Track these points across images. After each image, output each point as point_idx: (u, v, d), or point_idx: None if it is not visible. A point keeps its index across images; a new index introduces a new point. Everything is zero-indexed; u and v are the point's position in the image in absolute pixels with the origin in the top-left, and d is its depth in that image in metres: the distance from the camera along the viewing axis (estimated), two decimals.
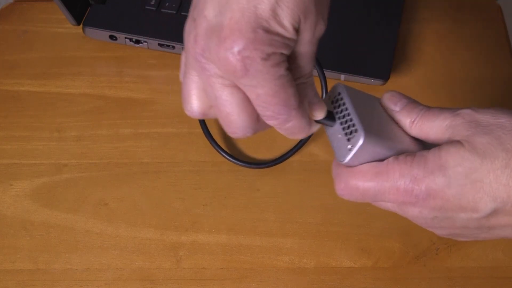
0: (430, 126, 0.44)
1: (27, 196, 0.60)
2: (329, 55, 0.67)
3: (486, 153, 0.42)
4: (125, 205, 0.59)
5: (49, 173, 0.61)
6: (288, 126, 0.42)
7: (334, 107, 0.46)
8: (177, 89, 0.67)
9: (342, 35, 0.69)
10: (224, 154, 0.61)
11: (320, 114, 0.44)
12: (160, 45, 0.69)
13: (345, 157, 0.44)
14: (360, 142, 0.43)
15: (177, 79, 0.68)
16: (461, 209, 0.43)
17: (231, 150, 0.63)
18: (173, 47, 0.68)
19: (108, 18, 0.70)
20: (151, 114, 0.65)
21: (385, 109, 0.46)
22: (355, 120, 0.44)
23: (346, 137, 0.44)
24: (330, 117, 0.45)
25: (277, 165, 0.62)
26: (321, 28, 0.40)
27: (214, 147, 0.62)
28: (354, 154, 0.44)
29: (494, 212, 0.42)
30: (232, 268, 0.56)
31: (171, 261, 0.56)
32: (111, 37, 0.69)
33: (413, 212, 0.44)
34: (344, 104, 0.45)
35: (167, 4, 0.70)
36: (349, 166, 0.44)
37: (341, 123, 0.45)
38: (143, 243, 0.57)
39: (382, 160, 0.44)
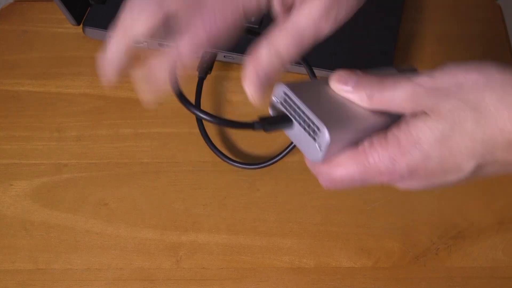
0: (390, 98, 0.43)
1: (27, 196, 0.60)
2: (329, 55, 0.67)
3: (455, 118, 0.42)
4: (125, 205, 0.59)
5: (49, 173, 0.61)
6: None
7: (286, 109, 0.44)
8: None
9: (342, 35, 0.69)
10: (222, 156, 0.61)
11: None
12: (160, 45, 0.69)
13: (317, 156, 0.43)
14: (327, 139, 0.42)
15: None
16: (447, 173, 0.43)
17: (231, 150, 0.63)
18: None
19: (108, 18, 0.70)
20: (151, 114, 0.65)
21: (337, 92, 0.44)
22: (313, 118, 0.42)
23: (311, 137, 0.43)
24: (286, 120, 0.43)
25: (277, 165, 0.62)
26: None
27: (213, 150, 0.62)
28: (326, 152, 0.42)
29: (478, 167, 0.43)
30: (232, 268, 0.56)
31: (171, 261, 0.56)
32: None
33: (404, 185, 0.44)
34: (294, 103, 0.43)
35: None
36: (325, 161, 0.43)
37: (300, 124, 0.43)
38: (143, 243, 0.57)
39: (356, 143, 0.43)
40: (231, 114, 0.65)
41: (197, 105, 0.64)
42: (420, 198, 0.60)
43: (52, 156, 0.62)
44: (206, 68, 0.66)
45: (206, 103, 0.66)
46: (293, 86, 0.44)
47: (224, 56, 0.68)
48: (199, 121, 0.63)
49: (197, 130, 0.63)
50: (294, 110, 0.43)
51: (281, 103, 0.44)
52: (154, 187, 0.60)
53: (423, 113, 0.43)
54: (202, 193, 0.60)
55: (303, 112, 0.43)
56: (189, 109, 0.45)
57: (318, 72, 0.67)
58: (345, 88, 0.44)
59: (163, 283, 0.55)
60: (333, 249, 0.57)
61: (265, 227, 0.58)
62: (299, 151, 0.62)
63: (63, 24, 0.71)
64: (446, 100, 0.42)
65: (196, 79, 0.66)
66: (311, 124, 0.43)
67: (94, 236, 0.57)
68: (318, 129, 0.42)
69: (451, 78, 0.43)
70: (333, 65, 0.67)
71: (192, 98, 0.65)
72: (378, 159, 0.43)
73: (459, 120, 0.42)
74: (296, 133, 0.44)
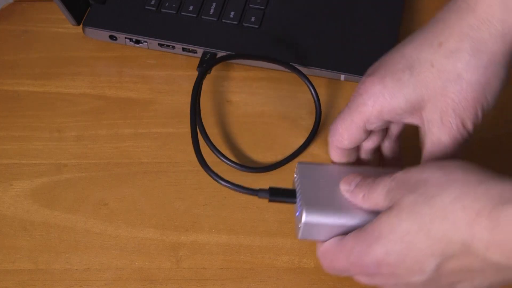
0: (376, 196, 0.46)
1: (27, 196, 0.60)
2: (329, 55, 0.67)
3: (413, 213, 0.43)
4: (125, 205, 0.59)
5: (49, 173, 0.61)
6: None
7: (295, 186, 0.50)
8: (177, 89, 0.67)
9: (342, 35, 0.69)
10: (222, 158, 0.61)
11: None
12: (160, 45, 0.69)
13: (297, 234, 0.49)
14: (303, 218, 0.47)
15: (177, 79, 0.68)
16: (411, 273, 0.44)
17: (231, 150, 0.63)
18: (173, 47, 0.68)
19: (108, 18, 0.70)
20: (151, 114, 0.65)
21: (342, 191, 0.49)
22: (300, 198, 0.48)
23: (297, 215, 0.49)
24: (291, 195, 0.50)
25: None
26: None
27: (213, 150, 0.62)
28: (303, 230, 0.48)
29: (440, 266, 0.43)
30: (232, 268, 0.56)
31: (171, 261, 0.56)
32: (111, 37, 0.69)
33: (378, 281, 0.46)
34: (298, 183, 0.50)
35: (167, 4, 0.70)
36: (321, 241, 0.49)
37: (297, 202, 0.49)
38: (143, 243, 0.57)
39: (345, 233, 0.47)
40: (231, 114, 0.65)
41: (197, 105, 0.64)
42: None
43: (52, 156, 0.62)
44: (206, 68, 0.66)
45: (206, 103, 0.66)
46: (304, 168, 0.51)
47: None
48: (199, 121, 0.63)
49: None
50: (297, 189, 0.50)
51: (295, 180, 0.51)
52: (154, 187, 0.60)
53: (390, 208, 0.44)
54: (202, 193, 0.60)
55: (299, 192, 0.49)
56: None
57: (318, 72, 0.67)
58: (347, 187, 0.49)
59: (163, 283, 0.55)
60: None
61: (265, 227, 0.58)
62: (300, 156, 0.62)
63: (63, 24, 0.71)
64: (409, 195, 0.43)
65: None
66: (299, 203, 0.49)
67: (94, 236, 0.57)
68: (301, 207, 0.48)
69: (420, 173, 0.44)
70: (333, 66, 0.67)
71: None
72: (350, 252, 0.46)
73: (417, 214, 0.43)
74: (295, 209, 0.50)
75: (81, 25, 0.69)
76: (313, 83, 0.64)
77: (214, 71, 0.67)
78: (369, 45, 0.68)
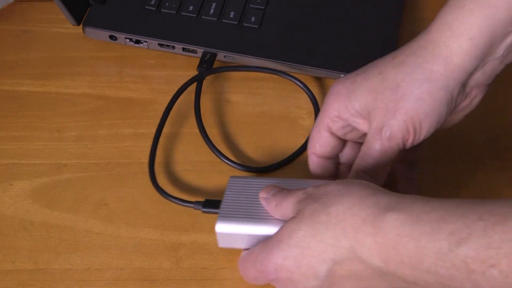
0: (286, 206, 0.48)
1: (27, 196, 0.60)
2: (329, 55, 0.67)
3: (311, 220, 0.45)
4: (125, 205, 0.59)
5: (49, 173, 0.61)
6: None
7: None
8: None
9: (342, 35, 0.69)
10: (222, 157, 0.61)
11: None
12: (160, 45, 0.69)
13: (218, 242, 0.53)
14: (216, 228, 0.51)
15: (177, 79, 0.68)
16: (306, 278, 0.46)
17: (231, 150, 0.63)
18: (173, 47, 0.68)
19: (108, 18, 0.70)
20: (151, 114, 0.65)
21: (260, 199, 0.51)
22: (220, 209, 0.52)
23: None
24: (218, 207, 0.53)
25: None
26: None
27: (213, 150, 0.62)
28: (219, 239, 0.52)
29: (331, 272, 0.45)
30: (232, 268, 0.56)
31: (171, 261, 0.56)
32: (111, 37, 0.69)
33: (283, 287, 0.48)
34: (225, 195, 0.54)
35: (167, 4, 0.70)
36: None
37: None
38: (143, 243, 0.57)
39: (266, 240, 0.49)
40: (230, 114, 0.65)
41: (197, 105, 0.64)
42: None
43: (52, 156, 0.62)
44: (206, 68, 0.66)
45: (206, 103, 0.66)
46: (234, 181, 0.54)
47: (224, 56, 0.68)
48: (199, 121, 0.63)
49: (197, 130, 0.63)
50: (223, 201, 0.53)
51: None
52: None
53: (293, 215, 0.47)
54: (202, 193, 0.60)
55: (222, 204, 0.53)
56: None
57: (318, 72, 0.67)
58: (264, 195, 0.51)
59: (163, 283, 0.55)
60: None
61: None
62: (300, 156, 0.62)
63: (63, 24, 0.71)
64: (312, 204, 0.46)
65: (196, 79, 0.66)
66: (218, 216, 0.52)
67: (94, 236, 0.57)
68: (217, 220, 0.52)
69: (325, 187, 0.47)
70: (333, 65, 0.67)
71: (192, 98, 0.65)
72: (255, 259, 0.48)
73: (314, 222, 0.45)
74: None
75: (81, 25, 0.69)
76: (313, 83, 0.64)
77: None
78: (369, 45, 0.68)
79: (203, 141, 0.62)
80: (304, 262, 0.45)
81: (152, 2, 0.71)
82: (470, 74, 0.49)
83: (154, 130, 0.64)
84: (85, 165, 0.62)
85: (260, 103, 0.66)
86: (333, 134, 0.54)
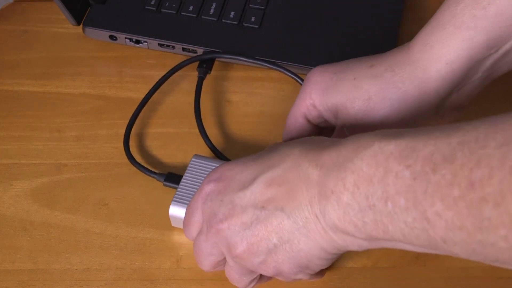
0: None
1: (27, 196, 0.60)
2: (330, 54, 0.67)
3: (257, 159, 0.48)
4: (125, 205, 0.59)
5: (49, 173, 0.61)
6: None
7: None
8: (177, 89, 0.67)
9: (342, 34, 0.69)
10: (222, 157, 0.61)
11: None
12: (160, 45, 0.69)
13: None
14: (170, 211, 0.55)
15: (177, 79, 0.68)
16: (236, 187, 0.47)
17: (231, 150, 0.63)
18: (173, 47, 0.68)
19: (108, 18, 0.70)
20: (151, 114, 0.65)
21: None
22: (177, 191, 0.55)
23: None
24: (178, 181, 0.56)
25: None
26: None
27: (213, 150, 0.62)
28: (172, 220, 0.56)
29: (257, 179, 0.46)
30: None
31: (171, 261, 0.56)
32: (111, 37, 0.69)
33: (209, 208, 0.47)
34: (185, 175, 0.56)
35: (167, 4, 0.70)
36: None
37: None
38: (143, 243, 0.57)
39: None
40: (230, 114, 0.65)
41: (197, 105, 0.64)
42: None
43: (52, 156, 0.62)
44: (206, 68, 0.66)
45: (206, 103, 0.66)
46: (197, 160, 0.57)
47: (224, 56, 0.68)
48: (199, 121, 0.63)
49: (197, 130, 0.63)
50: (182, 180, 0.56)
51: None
52: (154, 187, 0.60)
53: None
54: None
55: (180, 184, 0.56)
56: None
57: None
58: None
59: (163, 283, 0.55)
60: None
61: None
62: None
63: (63, 24, 0.71)
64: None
65: (196, 79, 0.66)
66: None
67: (94, 236, 0.57)
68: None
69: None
70: None
71: (192, 98, 0.65)
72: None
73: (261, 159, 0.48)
74: None
75: (81, 25, 0.69)
76: None
77: (214, 71, 0.67)
78: (369, 45, 0.68)
79: (203, 141, 0.62)
80: (238, 177, 0.47)
81: (152, 2, 0.71)
82: (444, 99, 0.49)
83: (154, 130, 0.64)
84: (85, 165, 0.62)
85: (260, 103, 0.66)
86: (309, 121, 0.54)
